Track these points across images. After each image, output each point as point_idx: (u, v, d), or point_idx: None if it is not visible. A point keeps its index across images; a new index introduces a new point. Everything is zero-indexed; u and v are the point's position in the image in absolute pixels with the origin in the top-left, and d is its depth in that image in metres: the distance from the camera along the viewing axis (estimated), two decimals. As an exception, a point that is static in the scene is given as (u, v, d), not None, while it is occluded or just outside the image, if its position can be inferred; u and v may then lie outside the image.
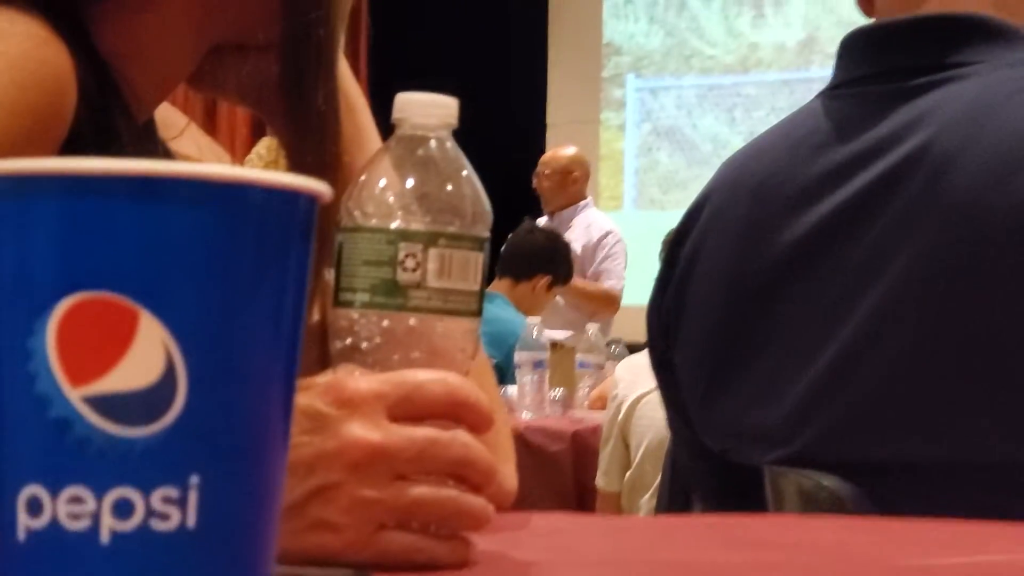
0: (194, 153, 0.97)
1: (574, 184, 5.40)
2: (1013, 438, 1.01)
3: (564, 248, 4.48)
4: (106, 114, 0.81)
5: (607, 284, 5.13)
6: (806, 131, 1.19)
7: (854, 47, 1.20)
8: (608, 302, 5.09)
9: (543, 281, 4.28)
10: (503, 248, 4.43)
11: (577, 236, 5.15)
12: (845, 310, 1.08)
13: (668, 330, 1.25)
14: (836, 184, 1.12)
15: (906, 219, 1.06)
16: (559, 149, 5.52)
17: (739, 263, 1.18)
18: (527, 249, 4.37)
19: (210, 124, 6.24)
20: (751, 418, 1.15)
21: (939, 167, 1.05)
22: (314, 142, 0.86)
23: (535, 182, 5.39)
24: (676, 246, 1.25)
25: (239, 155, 5.96)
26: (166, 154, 0.92)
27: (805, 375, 1.10)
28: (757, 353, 1.15)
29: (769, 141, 1.23)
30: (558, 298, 4.62)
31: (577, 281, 4.83)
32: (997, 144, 1.04)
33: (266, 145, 3.43)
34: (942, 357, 1.03)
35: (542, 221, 5.29)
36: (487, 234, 0.69)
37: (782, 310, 1.14)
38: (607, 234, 5.27)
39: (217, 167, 0.38)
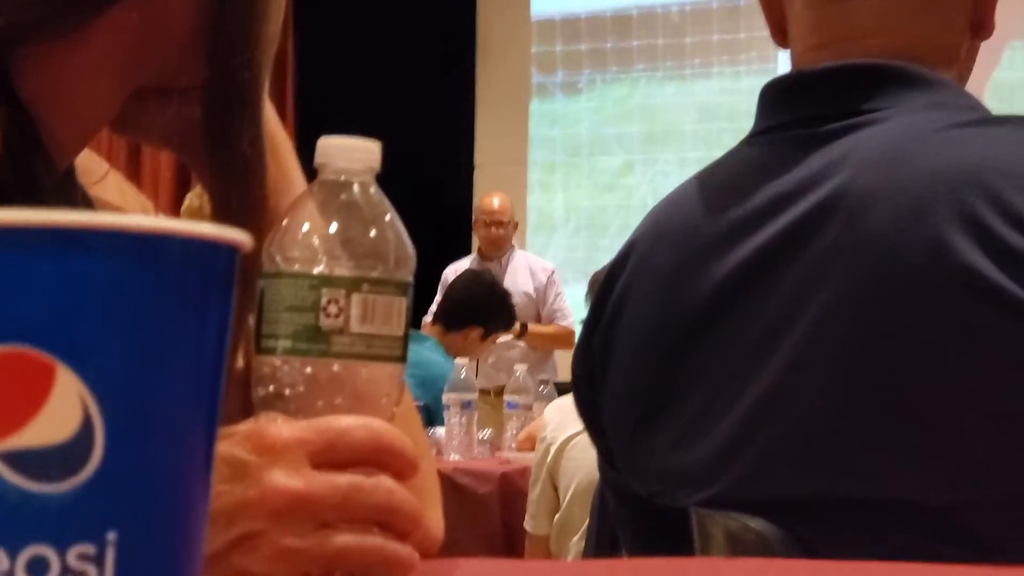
0: (116, 199, 0.96)
1: (515, 229, 5.52)
2: (927, 478, 1.02)
3: (501, 300, 4.38)
4: (27, 161, 0.80)
5: (564, 323, 5.25)
6: (725, 177, 1.21)
7: (773, 95, 1.22)
8: (566, 340, 5.16)
9: (475, 333, 4.22)
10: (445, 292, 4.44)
11: (523, 280, 5.23)
12: (766, 351, 1.10)
13: (594, 374, 1.26)
14: (755, 228, 1.14)
15: (824, 260, 1.08)
16: (497, 195, 5.53)
17: (664, 308, 1.19)
18: (463, 300, 4.26)
19: (134, 169, 6.18)
20: (677, 460, 1.15)
21: (856, 209, 1.07)
22: (239, 187, 0.85)
23: (485, 231, 5.38)
24: (604, 293, 1.26)
25: (163, 201, 5.90)
26: (86, 201, 0.91)
27: (729, 416, 1.11)
28: (682, 396, 1.16)
29: (691, 188, 1.25)
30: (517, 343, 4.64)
31: (535, 326, 4.96)
32: (912, 185, 1.06)
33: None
34: (858, 396, 1.05)
35: (467, 262, 5.31)
36: (411, 279, 0.70)
37: (706, 353, 1.15)
38: (552, 273, 5.38)
39: (135, 217, 0.37)
